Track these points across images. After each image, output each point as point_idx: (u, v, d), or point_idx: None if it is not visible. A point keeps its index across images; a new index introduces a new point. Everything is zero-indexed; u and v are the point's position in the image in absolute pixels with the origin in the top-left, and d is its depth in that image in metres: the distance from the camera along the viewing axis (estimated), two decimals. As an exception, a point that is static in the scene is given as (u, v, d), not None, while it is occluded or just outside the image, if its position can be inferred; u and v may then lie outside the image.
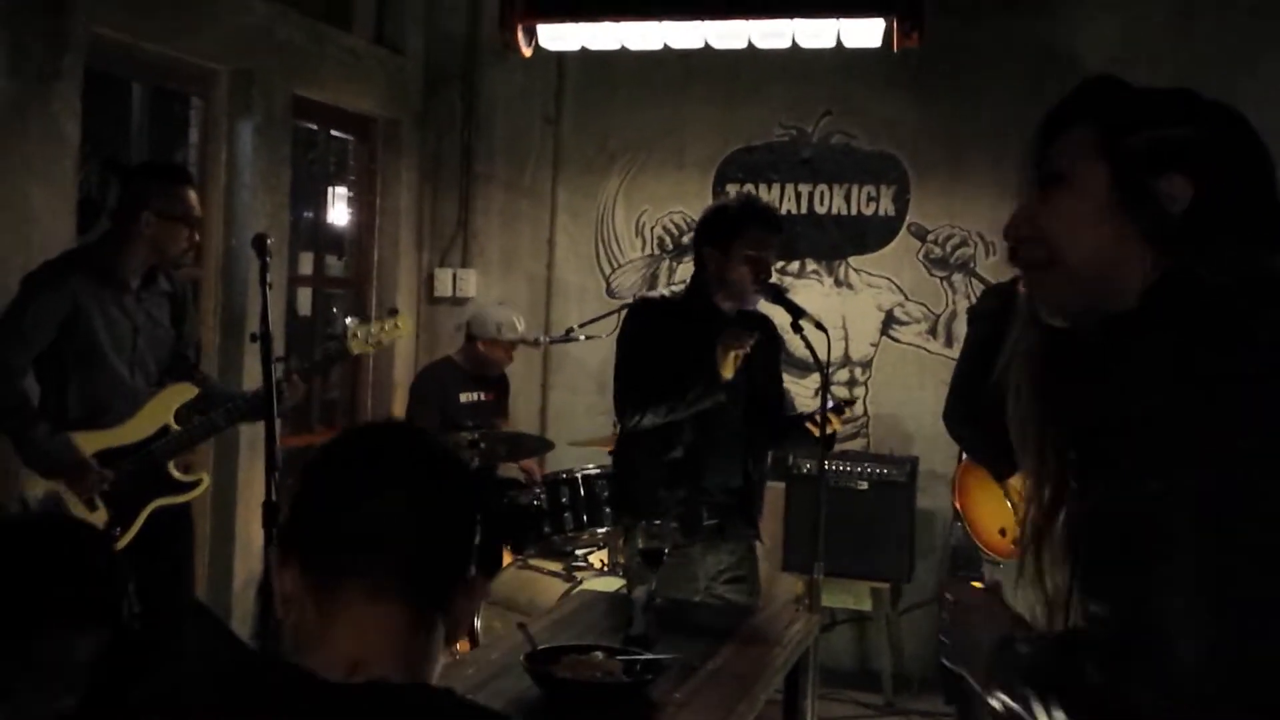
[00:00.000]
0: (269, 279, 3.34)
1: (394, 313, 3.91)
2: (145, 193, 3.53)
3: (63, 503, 3.44)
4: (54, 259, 3.52)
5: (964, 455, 3.98)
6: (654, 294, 3.73)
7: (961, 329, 4.59)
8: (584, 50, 5.03)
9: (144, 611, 3.80)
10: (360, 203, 6.05)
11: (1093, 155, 1.33)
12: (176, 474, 3.66)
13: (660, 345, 3.44)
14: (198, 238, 3.69)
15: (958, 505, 3.99)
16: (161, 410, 3.61)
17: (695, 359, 3.37)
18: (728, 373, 3.34)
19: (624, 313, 5.34)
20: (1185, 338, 1.21)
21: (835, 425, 3.45)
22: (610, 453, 4.92)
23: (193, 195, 3.64)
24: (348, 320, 3.84)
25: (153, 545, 3.56)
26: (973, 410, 3.81)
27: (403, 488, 1.24)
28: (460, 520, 1.26)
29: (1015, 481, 3.83)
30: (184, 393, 3.67)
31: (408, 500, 1.23)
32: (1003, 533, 3.86)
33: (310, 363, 3.89)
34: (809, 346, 3.38)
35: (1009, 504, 3.86)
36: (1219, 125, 1.31)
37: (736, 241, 3.43)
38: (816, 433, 3.44)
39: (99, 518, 3.48)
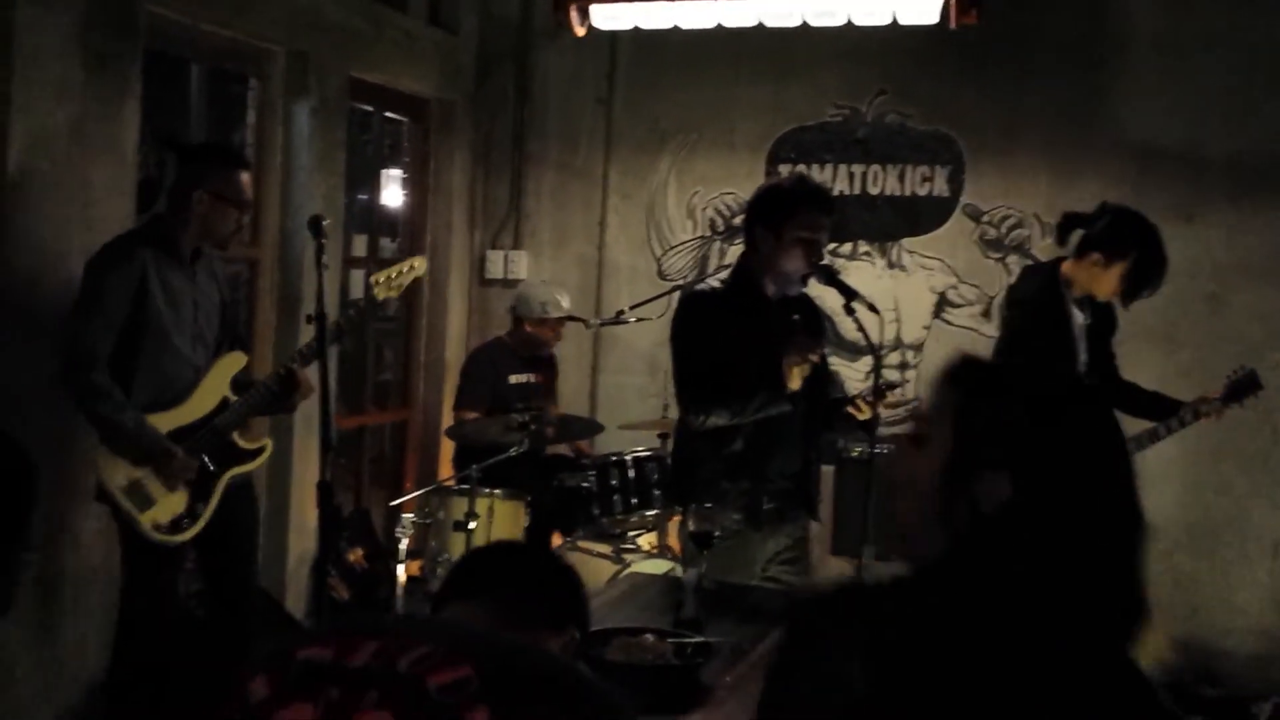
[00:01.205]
0: (325, 260, 3.37)
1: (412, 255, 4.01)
2: (201, 172, 3.59)
3: (144, 489, 3.48)
4: (116, 238, 3.57)
5: None
6: (702, 286, 3.70)
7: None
8: (636, 30, 5.02)
9: (209, 588, 3.88)
10: (413, 184, 6.08)
11: (948, 423, 1.33)
12: (242, 443, 3.72)
13: (714, 340, 3.42)
14: (246, 220, 3.76)
15: None
16: (219, 383, 3.66)
17: (745, 347, 3.35)
18: (794, 385, 3.32)
19: (675, 299, 5.38)
20: (944, 619, 1.23)
21: (868, 410, 3.41)
22: (660, 435, 4.95)
23: (246, 179, 3.69)
24: (373, 274, 3.93)
25: (225, 520, 3.62)
26: None
27: None
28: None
29: None
30: (236, 362, 3.73)
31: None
32: None
33: (342, 325, 3.91)
34: (861, 329, 3.35)
35: None
36: (1066, 422, 1.32)
37: (789, 223, 3.40)
38: (860, 416, 3.42)
39: (180, 497, 3.54)
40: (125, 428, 3.43)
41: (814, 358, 3.33)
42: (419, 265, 3.94)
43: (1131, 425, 4.02)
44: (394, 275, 3.82)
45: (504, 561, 1.73)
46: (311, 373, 3.54)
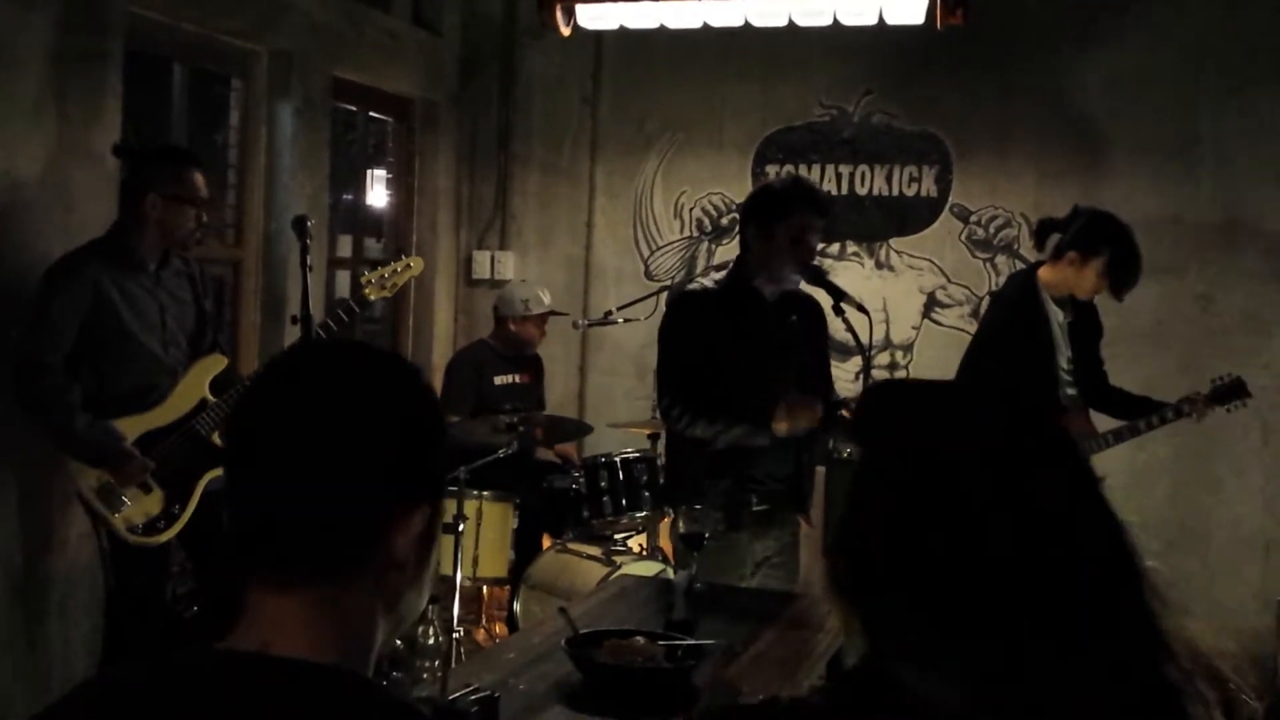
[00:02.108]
0: (309, 261, 3.33)
1: (403, 254, 3.99)
2: (150, 175, 3.55)
3: (115, 491, 3.46)
4: (71, 251, 3.52)
5: None
6: (693, 286, 3.68)
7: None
8: (622, 30, 4.98)
9: (198, 589, 3.84)
10: (398, 184, 6.05)
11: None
12: (221, 443, 3.69)
13: (702, 340, 3.40)
14: (205, 219, 3.71)
15: None
16: (196, 385, 3.63)
17: (737, 348, 3.33)
18: (780, 430, 3.32)
19: (662, 298, 5.36)
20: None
21: None
22: (649, 435, 4.92)
23: (199, 177, 3.64)
24: (363, 273, 3.87)
25: (213, 521, 3.59)
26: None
27: (286, 447, 1.06)
28: (365, 458, 1.06)
29: None
30: (215, 365, 3.70)
31: (291, 463, 1.06)
32: None
33: (330, 324, 3.87)
34: (850, 329, 3.35)
35: None
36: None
37: (781, 223, 3.39)
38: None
39: (155, 499, 3.51)
40: (75, 434, 3.41)
41: (805, 425, 3.33)
42: (415, 265, 3.89)
43: (1113, 422, 4.06)
44: (387, 275, 3.78)
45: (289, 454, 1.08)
46: None
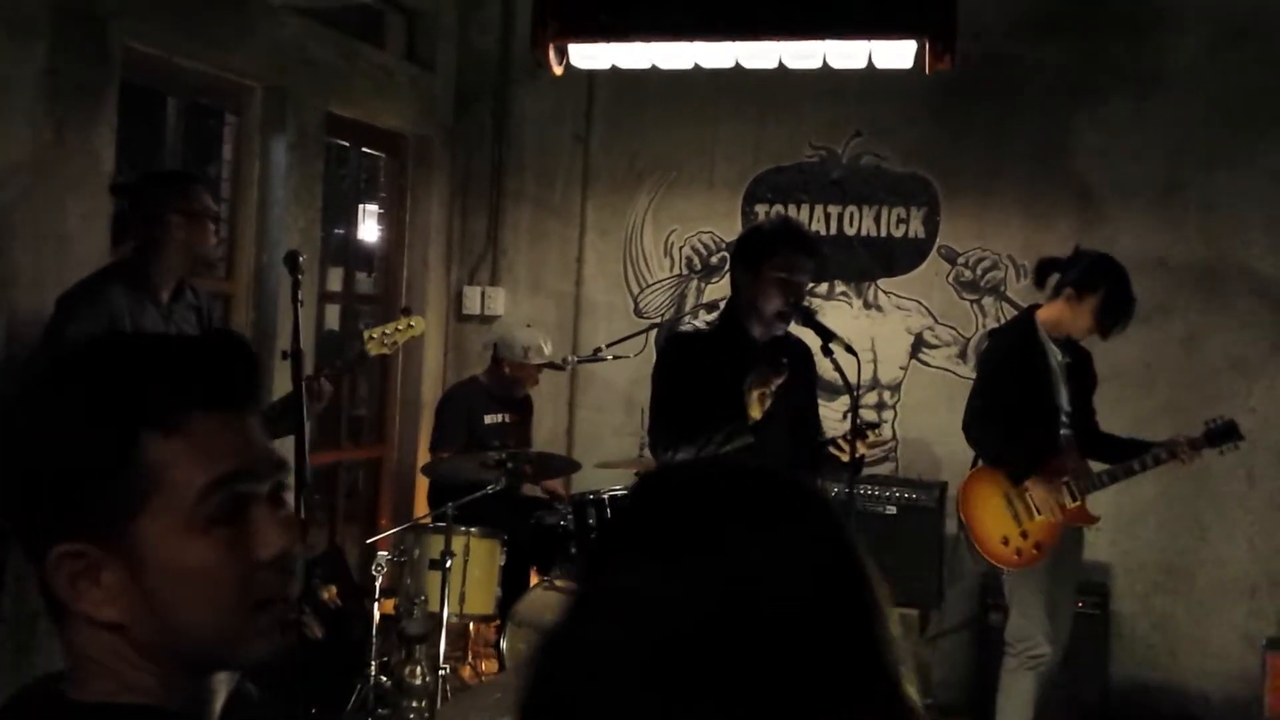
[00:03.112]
0: (300, 296, 3.34)
1: (407, 312, 4.03)
2: (166, 197, 3.57)
3: None
4: (89, 276, 3.53)
5: (977, 463, 4.08)
6: (686, 327, 3.70)
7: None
8: (614, 69, 5.03)
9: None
10: (390, 219, 6.07)
11: None
12: None
13: (695, 381, 3.41)
14: (221, 234, 3.75)
15: (962, 516, 4.07)
16: None
17: (729, 390, 3.34)
18: (755, 413, 3.32)
19: (652, 334, 5.37)
20: None
21: (861, 449, 3.42)
22: (636, 473, 4.92)
23: (207, 193, 3.71)
24: (365, 327, 3.90)
25: None
26: (994, 421, 3.90)
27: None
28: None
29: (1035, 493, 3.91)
30: None
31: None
32: (1005, 541, 3.98)
33: (336, 365, 3.91)
34: (839, 369, 3.36)
35: (1012, 515, 3.95)
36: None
37: (767, 263, 3.41)
38: (844, 457, 3.41)
39: None
40: None
41: (775, 384, 3.32)
42: (418, 325, 3.93)
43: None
44: (389, 332, 3.82)
45: None
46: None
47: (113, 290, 3.45)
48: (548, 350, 5.25)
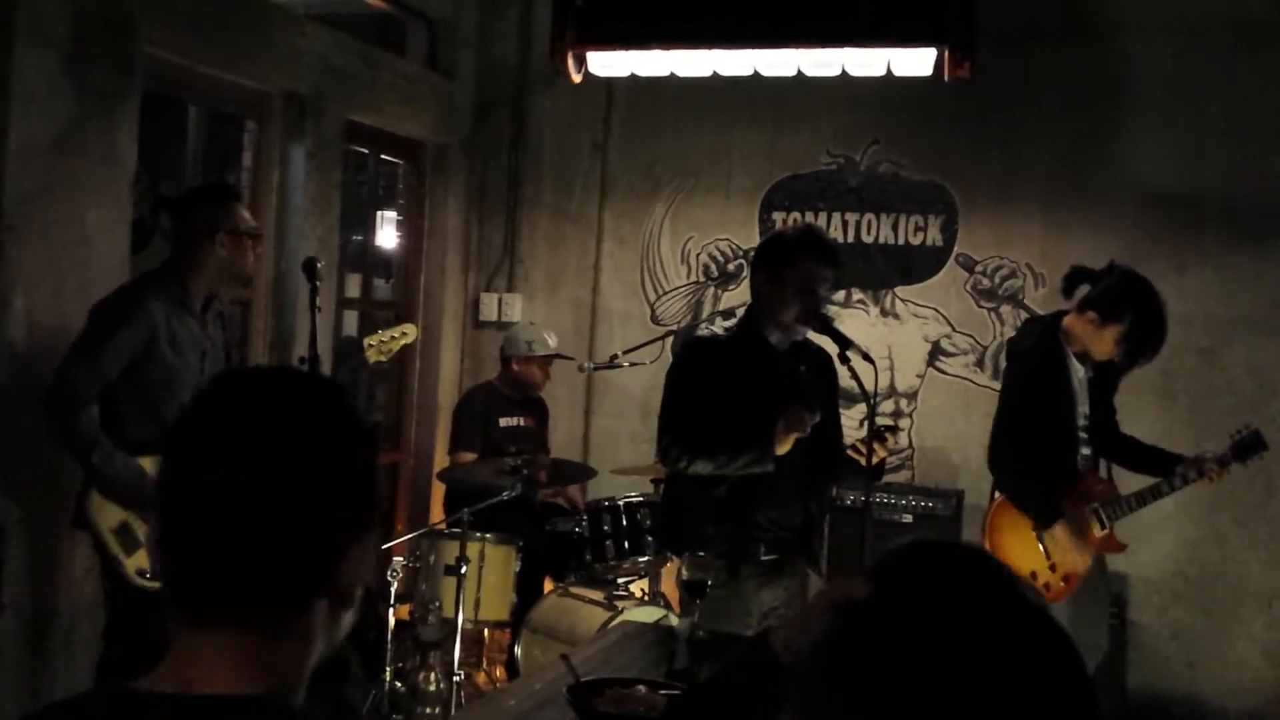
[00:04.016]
0: (318, 303, 3.35)
1: (400, 319, 4.16)
2: (213, 215, 3.62)
3: (133, 532, 3.45)
4: (124, 285, 3.56)
5: (996, 493, 3.91)
6: (704, 333, 3.71)
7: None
8: (633, 77, 5.04)
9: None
10: (408, 226, 6.09)
11: None
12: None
13: (712, 388, 3.41)
14: (260, 250, 3.85)
15: (987, 545, 3.85)
16: None
17: (745, 397, 3.34)
18: (783, 449, 3.31)
19: (668, 341, 5.37)
20: None
21: (881, 453, 3.41)
22: (653, 480, 4.92)
23: (248, 211, 3.79)
24: (364, 339, 4.07)
25: None
26: (1017, 456, 3.75)
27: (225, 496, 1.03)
28: (309, 506, 1.04)
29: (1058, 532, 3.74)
30: None
31: (234, 517, 1.02)
32: (1034, 575, 3.77)
33: (343, 372, 4.05)
34: (855, 377, 3.35)
35: (1040, 547, 3.78)
36: None
37: (789, 271, 3.40)
38: (863, 461, 3.40)
39: None
40: (117, 476, 3.40)
41: (807, 430, 3.32)
42: (410, 333, 4.07)
43: (1131, 482, 3.96)
44: (385, 339, 3.95)
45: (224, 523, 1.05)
46: None
47: (151, 302, 3.49)
48: (552, 343, 5.28)
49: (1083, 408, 3.85)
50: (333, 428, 1.09)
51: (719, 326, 3.70)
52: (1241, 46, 5.06)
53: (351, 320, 6.23)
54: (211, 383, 1.12)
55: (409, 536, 4.73)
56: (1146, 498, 3.85)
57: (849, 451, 3.46)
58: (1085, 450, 3.87)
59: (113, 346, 3.41)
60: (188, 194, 3.79)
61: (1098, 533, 3.80)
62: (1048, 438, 3.75)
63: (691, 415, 3.40)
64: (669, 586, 4.73)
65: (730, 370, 3.41)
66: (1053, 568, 3.76)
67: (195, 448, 1.07)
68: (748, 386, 3.37)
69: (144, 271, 3.73)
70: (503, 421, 5.23)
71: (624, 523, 4.77)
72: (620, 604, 4.46)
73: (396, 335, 3.98)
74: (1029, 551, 3.77)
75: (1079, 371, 3.84)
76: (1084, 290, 3.78)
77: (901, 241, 5.54)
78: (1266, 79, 5.02)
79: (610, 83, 5.64)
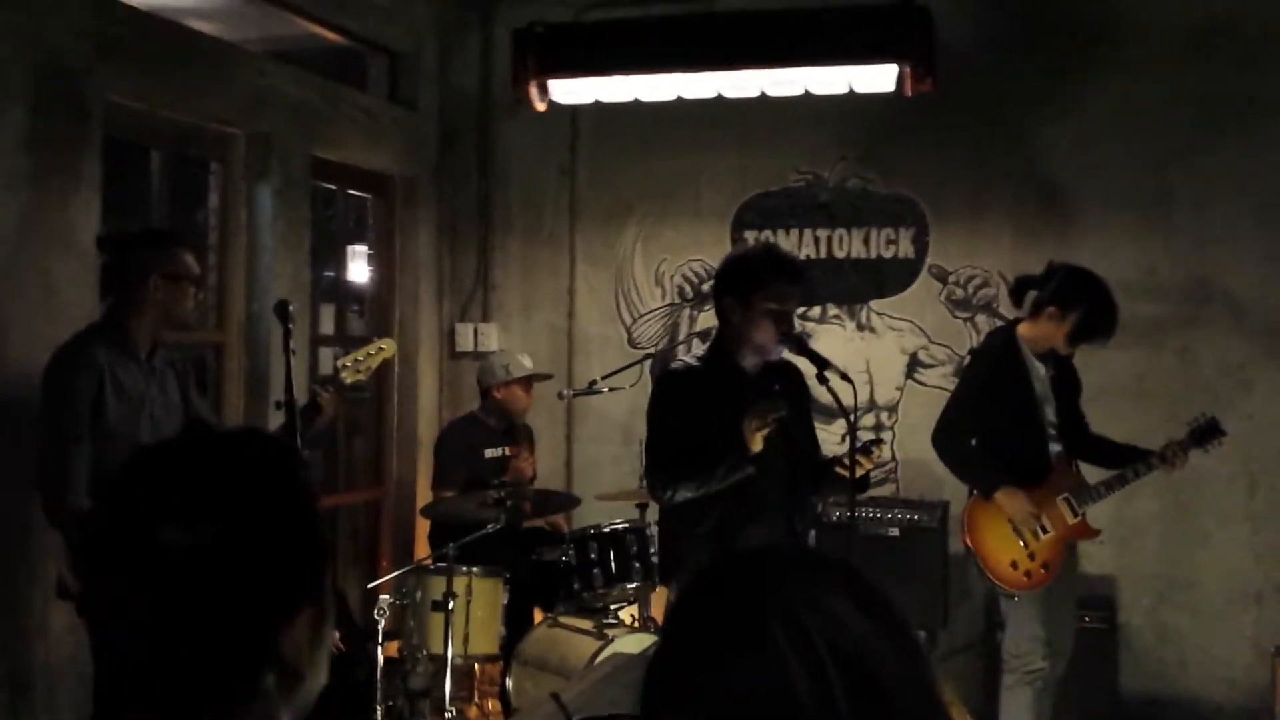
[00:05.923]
0: (292, 346, 3.32)
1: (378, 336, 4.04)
2: (148, 258, 3.54)
3: None
4: (72, 337, 3.50)
5: (972, 493, 4.07)
6: (677, 364, 3.71)
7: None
8: (597, 103, 5.04)
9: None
10: (379, 260, 6.06)
11: None
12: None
13: (689, 419, 3.40)
14: (201, 296, 3.71)
15: (967, 541, 4.05)
16: None
17: (724, 425, 3.33)
18: (755, 447, 3.30)
19: (647, 365, 5.36)
20: None
21: (866, 465, 3.41)
22: (637, 505, 4.90)
23: (190, 256, 3.66)
24: (336, 357, 3.91)
25: None
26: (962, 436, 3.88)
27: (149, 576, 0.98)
28: (242, 585, 1.00)
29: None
30: None
31: (161, 609, 0.98)
32: (1014, 565, 3.96)
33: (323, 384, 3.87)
34: (834, 395, 3.35)
35: (1016, 538, 3.93)
36: None
37: (758, 294, 3.40)
38: (848, 474, 3.39)
39: None
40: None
41: (772, 424, 3.31)
42: (388, 347, 3.91)
43: (1099, 473, 4.10)
44: (361, 358, 3.79)
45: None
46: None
47: (96, 350, 3.42)
48: (528, 364, 5.25)
49: (1049, 406, 4.04)
50: (261, 497, 1.03)
51: (692, 356, 3.68)
52: (1199, 50, 5.09)
53: (328, 359, 6.18)
54: (139, 457, 1.06)
55: (395, 574, 4.69)
56: (1114, 485, 4.03)
57: (836, 469, 3.45)
58: (1055, 447, 4.05)
59: (72, 404, 3.34)
60: (123, 236, 3.70)
61: (1071, 520, 3.99)
62: (1014, 431, 3.95)
63: (673, 449, 3.39)
64: (659, 612, 4.70)
65: (706, 400, 3.41)
66: (1031, 556, 3.96)
67: (115, 541, 1.02)
68: (725, 414, 3.36)
69: (92, 321, 3.67)
70: (488, 453, 5.20)
71: (610, 549, 4.73)
72: (611, 632, 4.43)
73: (373, 352, 3.84)
74: (1007, 542, 3.96)
75: (1040, 371, 4.02)
76: (1032, 296, 4.02)
77: (874, 255, 5.54)
78: (1224, 80, 5.06)
79: (575, 108, 5.64)
